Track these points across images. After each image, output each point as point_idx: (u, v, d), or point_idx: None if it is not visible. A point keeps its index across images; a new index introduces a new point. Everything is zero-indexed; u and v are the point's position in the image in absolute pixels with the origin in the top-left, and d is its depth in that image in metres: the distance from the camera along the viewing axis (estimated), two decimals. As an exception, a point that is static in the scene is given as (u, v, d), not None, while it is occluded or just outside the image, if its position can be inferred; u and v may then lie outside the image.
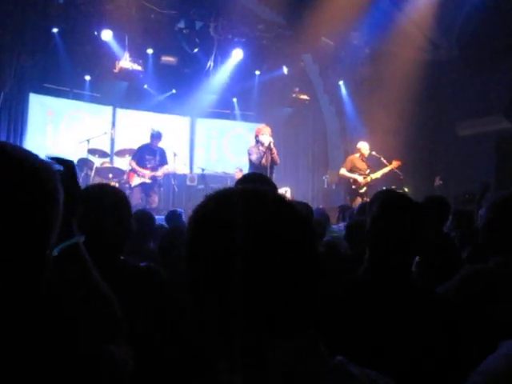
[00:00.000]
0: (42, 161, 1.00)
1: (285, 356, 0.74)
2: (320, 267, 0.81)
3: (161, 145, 8.55)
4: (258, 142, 7.32)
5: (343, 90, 11.23)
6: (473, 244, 3.13)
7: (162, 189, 9.17)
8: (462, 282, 1.91)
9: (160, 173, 8.43)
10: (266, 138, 7.20)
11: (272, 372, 0.73)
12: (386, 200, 1.70)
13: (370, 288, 1.61)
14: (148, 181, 8.33)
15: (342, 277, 1.79)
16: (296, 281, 0.77)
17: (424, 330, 1.48)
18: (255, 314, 0.75)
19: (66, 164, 1.15)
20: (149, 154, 8.41)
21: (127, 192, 8.36)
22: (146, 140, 8.65)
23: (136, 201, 7.88)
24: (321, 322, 1.50)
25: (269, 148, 7.15)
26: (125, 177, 8.64)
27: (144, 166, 8.36)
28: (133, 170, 8.41)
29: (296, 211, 0.81)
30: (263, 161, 7.20)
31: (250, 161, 7.32)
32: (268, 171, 7.17)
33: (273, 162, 7.25)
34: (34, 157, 0.99)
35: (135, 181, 8.34)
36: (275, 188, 2.24)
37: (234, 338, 0.76)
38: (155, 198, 8.49)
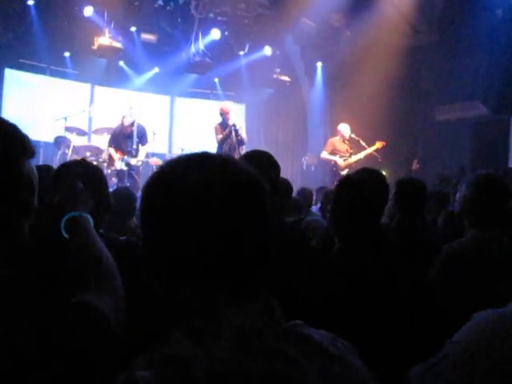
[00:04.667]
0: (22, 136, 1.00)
1: (238, 319, 0.74)
2: (272, 235, 0.83)
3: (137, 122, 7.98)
4: (223, 120, 7.26)
5: (319, 72, 11.28)
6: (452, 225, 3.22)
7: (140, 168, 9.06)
8: (441, 262, 2.02)
9: (136, 161, 7.92)
10: (231, 117, 7.14)
11: (225, 336, 0.73)
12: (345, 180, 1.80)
13: (336, 264, 1.67)
14: (124, 168, 7.86)
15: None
16: (249, 242, 0.78)
17: (391, 306, 1.54)
18: (209, 277, 0.76)
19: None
20: (123, 137, 7.95)
21: (112, 178, 8.18)
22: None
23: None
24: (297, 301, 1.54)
25: (234, 129, 7.13)
26: (106, 158, 8.44)
27: (122, 151, 7.90)
28: (110, 158, 7.99)
29: (247, 172, 0.81)
30: (229, 140, 7.18)
31: (217, 139, 7.31)
32: (237, 151, 7.14)
33: (240, 142, 7.21)
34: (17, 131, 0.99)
35: (111, 167, 7.97)
36: (277, 167, 2.20)
37: (186, 303, 0.77)
38: (134, 181, 7.92)
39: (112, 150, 8.01)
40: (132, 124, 7.89)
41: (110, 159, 8.06)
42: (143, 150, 8.15)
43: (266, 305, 0.78)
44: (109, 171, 8.01)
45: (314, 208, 5.50)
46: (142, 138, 8.05)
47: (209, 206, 0.76)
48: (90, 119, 10.45)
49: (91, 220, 1.27)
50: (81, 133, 9.02)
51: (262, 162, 2.07)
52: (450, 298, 1.90)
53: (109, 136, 8.69)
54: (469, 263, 1.97)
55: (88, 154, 8.58)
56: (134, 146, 7.91)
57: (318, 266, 1.75)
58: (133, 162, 7.91)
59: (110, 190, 6.51)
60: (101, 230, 1.77)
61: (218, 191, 0.76)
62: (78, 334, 0.93)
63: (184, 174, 0.79)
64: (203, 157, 0.83)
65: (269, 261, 0.81)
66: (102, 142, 9.03)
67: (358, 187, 1.74)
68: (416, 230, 2.63)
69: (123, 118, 7.95)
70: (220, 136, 7.27)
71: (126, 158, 7.89)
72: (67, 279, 1.13)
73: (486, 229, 2.05)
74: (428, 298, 1.62)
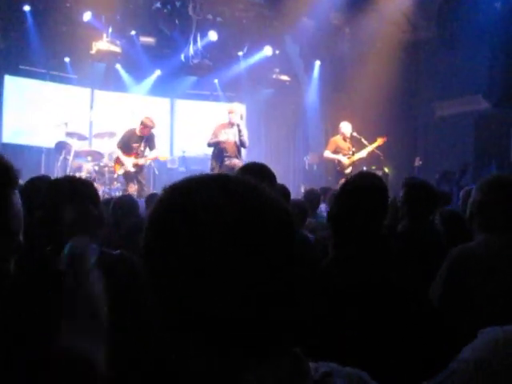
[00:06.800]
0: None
1: (263, 380, 0.65)
2: (300, 274, 0.72)
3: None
4: (229, 121, 7.30)
5: (316, 71, 11.26)
6: (456, 225, 3.17)
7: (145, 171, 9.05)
8: (449, 266, 1.98)
9: (144, 160, 7.89)
10: (233, 118, 7.21)
11: None
12: (345, 185, 1.76)
13: (334, 276, 1.63)
14: (132, 169, 7.77)
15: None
16: (275, 290, 0.66)
17: (392, 322, 1.50)
18: (231, 335, 0.65)
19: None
20: (135, 141, 7.84)
21: (114, 182, 8.23)
22: (125, 122, 8.49)
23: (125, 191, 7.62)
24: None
25: (238, 129, 7.18)
26: (107, 162, 8.43)
27: (129, 154, 7.84)
28: (117, 160, 7.92)
29: (276, 206, 0.71)
30: (228, 140, 7.22)
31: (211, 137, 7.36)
32: (235, 152, 7.29)
33: (241, 144, 7.30)
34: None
35: (119, 170, 7.92)
36: (274, 178, 2.17)
37: (203, 368, 0.67)
38: (140, 186, 7.89)
39: (120, 152, 7.90)
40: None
41: (118, 161, 7.99)
42: (152, 155, 8.10)
43: (292, 360, 0.68)
44: (115, 175, 8.08)
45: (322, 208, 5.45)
46: (151, 143, 7.99)
47: (246, 250, 0.65)
48: (91, 124, 10.46)
49: (95, 249, 1.16)
50: (81, 138, 9.02)
51: (265, 174, 2.04)
52: (456, 302, 1.86)
53: (110, 140, 8.71)
54: (478, 268, 1.92)
55: (89, 158, 8.59)
56: (142, 148, 7.90)
57: (317, 278, 1.68)
58: (141, 161, 7.87)
59: (116, 193, 6.52)
60: (94, 245, 1.75)
61: (255, 231, 0.66)
62: None
63: (214, 207, 0.66)
64: (230, 183, 0.71)
65: (298, 316, 0.70)
66: (102, 146, 9.04)
67: (359, 194, 1.70)
68: (425, 234, 2.58)
69: (142, 122, 7.76)
70: (213, 137, 7.32)
71: (133, 158, 7.86)
72: (53, 320, 1.05)
73: (497, 233, 1.98)
74: (434, 311, 1.59)
